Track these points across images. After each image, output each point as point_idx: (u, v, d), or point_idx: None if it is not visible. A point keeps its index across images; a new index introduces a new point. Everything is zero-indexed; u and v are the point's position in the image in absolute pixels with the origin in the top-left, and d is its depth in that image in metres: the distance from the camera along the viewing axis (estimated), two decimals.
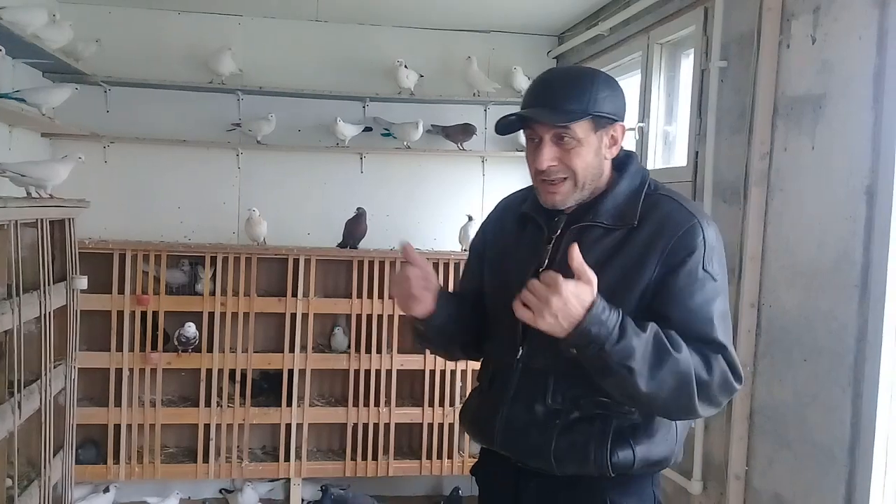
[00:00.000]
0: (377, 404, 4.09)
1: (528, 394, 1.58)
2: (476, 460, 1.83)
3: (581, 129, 1.53)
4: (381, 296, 4.05)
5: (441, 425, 4.15)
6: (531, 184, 1.68)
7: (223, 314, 3.95)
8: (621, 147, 1.62)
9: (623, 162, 1.63)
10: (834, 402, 2.13)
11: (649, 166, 3.36)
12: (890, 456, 1.96)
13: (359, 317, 4.07)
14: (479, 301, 1.74)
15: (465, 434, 4.15)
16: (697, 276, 1.48)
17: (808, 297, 2.26)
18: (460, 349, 1.82)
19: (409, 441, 4.23)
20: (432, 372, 4.13)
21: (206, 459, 3.98)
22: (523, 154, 4.90)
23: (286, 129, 4.22)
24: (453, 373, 4.15)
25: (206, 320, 3.94)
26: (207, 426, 3.98)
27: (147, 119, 4.14)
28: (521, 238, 1.68)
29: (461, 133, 4.24)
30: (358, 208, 4.10)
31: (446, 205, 4.41)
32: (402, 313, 3.97)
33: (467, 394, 4.06)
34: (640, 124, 3.43)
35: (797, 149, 2.34)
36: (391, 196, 4.39)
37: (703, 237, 1.50)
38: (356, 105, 4.30)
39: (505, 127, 1.60)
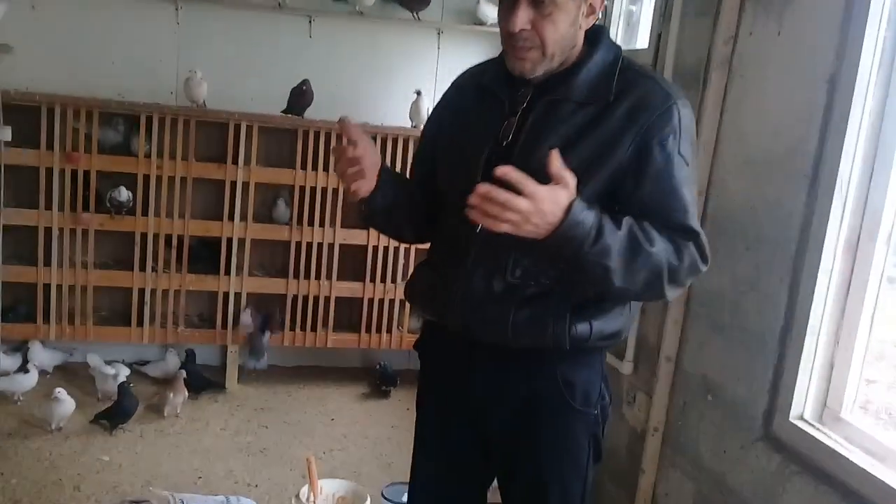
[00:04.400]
0: (318, 277, 4.05)
1: (486, 268, 1.54)
2: (417, 336, 1.82)
3: None
4: (325, 168, 3.92)
5: (382, 301, 4.14)
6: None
7: (159, 178, 3.79)
8: (597, 18, 1.53)
9: (595, 35, 1.55)
10: (771, 290, 2.15)
11: None
12: (820, 346, 2.01)
13: (302, 189, 3.95)
14: (432, 185, 1.68)
15: (405, 310, 4.17)
16: (673, 159, 1.45)
17: (757, 186, 2.25)
18: (412, 232, 1.77)
19: (348, 315, 4.22)
20: (375, 248, 4.08)
21: (140, 324, 3.92)
22: (482, 28, 4.66)
23: None
24: (397, 250, 4.11)
25: (140, 183, 3.78)
26: (142, 290, 3.89)
27: None
28: (479, 112, 1.59)
29: (417, 0, 4.03)
30: (303, 81, 3.89)
31: (398, 78, 4.23)
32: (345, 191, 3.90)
33: (410, 271, 4.09)
34: (604, 2, 3.29)
35: (763, 34, 2.27)
36: (341, 64, 4.17)
37: (679, 119, 1.45)
38: None
39: None
